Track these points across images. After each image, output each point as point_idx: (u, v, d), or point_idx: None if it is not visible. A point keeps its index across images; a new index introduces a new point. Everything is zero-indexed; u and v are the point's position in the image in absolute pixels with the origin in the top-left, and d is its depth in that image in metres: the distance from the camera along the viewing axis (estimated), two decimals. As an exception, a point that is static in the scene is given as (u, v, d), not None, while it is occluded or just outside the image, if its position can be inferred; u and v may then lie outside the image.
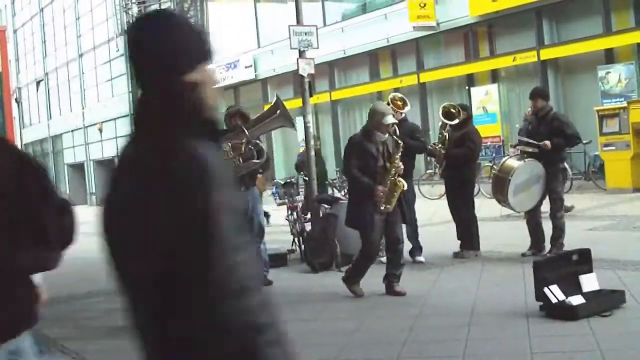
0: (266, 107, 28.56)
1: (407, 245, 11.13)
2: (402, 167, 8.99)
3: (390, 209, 8.88)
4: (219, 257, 2.15)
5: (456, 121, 11.11)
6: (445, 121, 11.19)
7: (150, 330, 2.30)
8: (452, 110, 11.20)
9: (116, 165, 2.39)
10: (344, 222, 9.49)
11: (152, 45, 2.31)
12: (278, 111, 10.51)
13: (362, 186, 8.91)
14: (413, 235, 11.04)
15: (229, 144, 9.83)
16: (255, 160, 10.04)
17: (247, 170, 10.00)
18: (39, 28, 51.39)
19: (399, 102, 10.68)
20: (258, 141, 10.26)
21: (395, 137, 9.15)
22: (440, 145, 11.14)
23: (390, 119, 8.97)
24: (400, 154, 9.02)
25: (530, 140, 10.50)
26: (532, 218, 10.76)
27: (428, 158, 11.60)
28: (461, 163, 11.01)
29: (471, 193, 11.31)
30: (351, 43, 25.85)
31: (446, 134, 11.21)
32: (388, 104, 10.51)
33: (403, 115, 10.75)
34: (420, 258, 10.93)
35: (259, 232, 10.26)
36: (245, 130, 9.94)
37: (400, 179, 8.94)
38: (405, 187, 9.03)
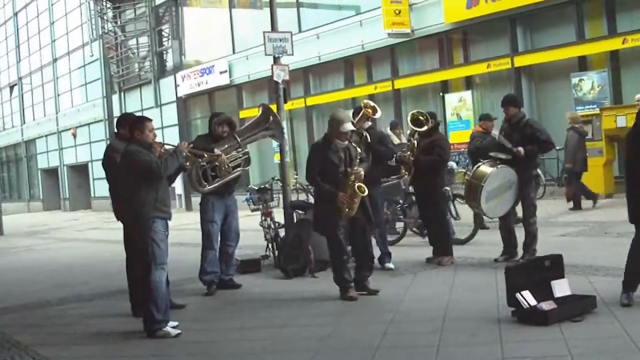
0: (241, 114, 28.66)
1: (376, 252, 11.20)
2: (362, 173, 9.15)
3: (352, 214, 9.09)
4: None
5: (425, 128, 11.14)
6: (414, 128, 11.21)
7: None
8: (421, 117, 11.23)
9: None
10: (312, 228, 9.80)
11: None
12: (271, 118, 10.61)
13: (323, 192, 9.22)
14: (382, 242, 11.08)
15: (224, 147, 9.96)
16: (242, 168, 10.42)
17: (234, 176, 10.30)
18: (13, 32, 51.11)
19: (369, 110, 10.71)
20: (247, 150, 10.50)
21: (354, 144, 9.42)
22: (409, 153, 11.16)
23: (348, 127, 9.16)
24: (360, 160, 9.25)
25: (506, 142, 10.52)
26: (505, 224, 10.82)
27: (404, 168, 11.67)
28: (430, 170, 11.04)
29: (441, 199, 11.36)
30: (326, 49, 25.88)
31: (415, 142, 11.24)
32: (360, 109, 10.60)
33: (369, 123, 10.84)
34: (390, 265, 10.94)
35: (235, 237, 10.70)
36: (238, 139, 10.22)
37: (362, 184, 9.08)
38: (366, 193, 9.13)
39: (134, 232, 8.34)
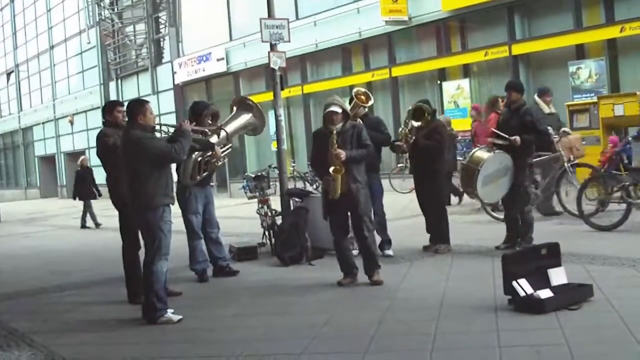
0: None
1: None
2: (340, 154, 8.89)
3: (335, 196, 8.99)
4: None
5: (420, 123, 11.04)
6: (415, 123, 11.13)
7: None
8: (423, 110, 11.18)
9: None
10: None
11: None
12: (254, 107, 10.54)
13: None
14: (381, 229, 11.03)
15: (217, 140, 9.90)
16: (222, 161, 10.37)
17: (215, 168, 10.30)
18: (10, 19, 50.97)
19: (362, 97, 10.69)
20: (231, 144, 10.46)
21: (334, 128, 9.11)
22: (404, 141, 11.10)
23: (328, 108, 9.15)
24: (336, 143, 8.99)
25: (501, 134, 10.53)
26: (510, 213, 10.80)
27: (400, 154, 11.60)
28: (431, 156, 10.97)
29: (440, 186, 11.32)
30: (323, 37, 25.80)
31: (410, 125, 11.13)
32: (352, 99, 10.58)
33: (366, 109, 10.82)
34: (389, 252, 10.93)
35: (216, 224, 10.76)
36: (227, 132, 10.10)
37: (336, 167, 8.91)
38: (336, 172, 8.91)
39: (142, 220, 8.15)
